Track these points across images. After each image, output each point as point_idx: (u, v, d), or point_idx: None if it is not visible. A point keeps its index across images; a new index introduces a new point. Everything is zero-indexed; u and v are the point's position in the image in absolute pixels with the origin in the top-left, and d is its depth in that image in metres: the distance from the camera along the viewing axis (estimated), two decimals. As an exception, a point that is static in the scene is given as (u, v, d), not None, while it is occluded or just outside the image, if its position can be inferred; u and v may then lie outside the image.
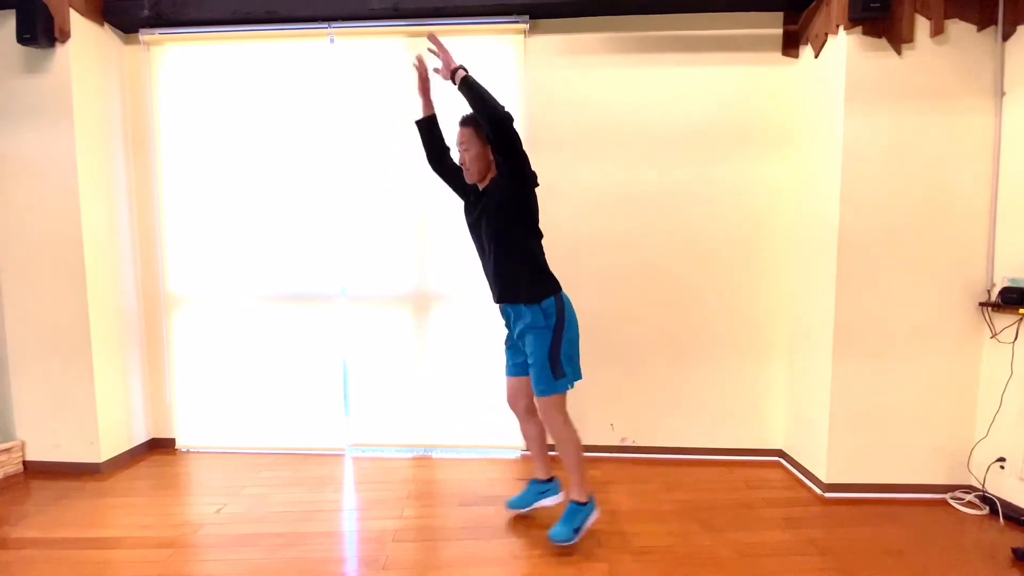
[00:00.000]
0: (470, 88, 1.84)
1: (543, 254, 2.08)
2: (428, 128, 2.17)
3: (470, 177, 2.04)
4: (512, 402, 2.25)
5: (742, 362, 2.93)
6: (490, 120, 1.82)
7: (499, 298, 2.09)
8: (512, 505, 2.30)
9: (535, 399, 2.05)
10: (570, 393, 1.99)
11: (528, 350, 2.01)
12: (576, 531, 2.04)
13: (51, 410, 2.80)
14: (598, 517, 2.12)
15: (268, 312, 3.09)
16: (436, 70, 2.00)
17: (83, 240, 2.72)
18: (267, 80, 2.97)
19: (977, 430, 2.46)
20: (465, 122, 2.00)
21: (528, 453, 2.33)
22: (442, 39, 1.97)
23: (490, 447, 3.00)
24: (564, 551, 2.02)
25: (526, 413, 2.23)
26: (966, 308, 2.43)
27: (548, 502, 2.28)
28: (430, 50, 1.96)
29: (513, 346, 2.17)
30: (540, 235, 2.07)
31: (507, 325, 2.17)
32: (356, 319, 3.06)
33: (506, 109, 1.83)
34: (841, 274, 2.45)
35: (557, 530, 2.03)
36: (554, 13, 2.80)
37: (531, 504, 2.29)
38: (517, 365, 2.17)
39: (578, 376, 2.07)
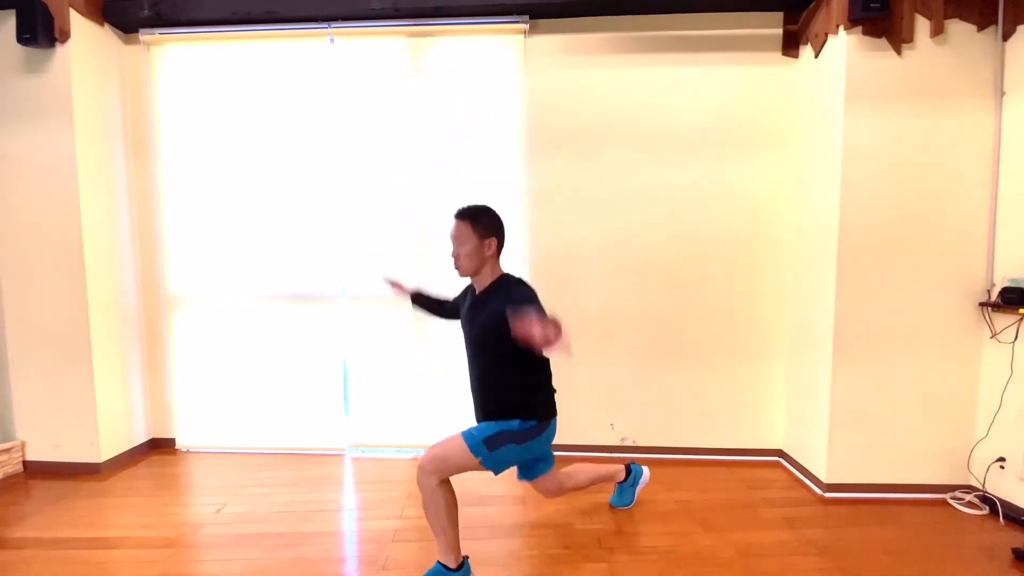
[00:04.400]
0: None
1: (546, 377, 1.88)
2: (422, 301, 2.23)
3: (460, 272, 1.85)
4: (545, 493, 2.11)
5: (742, 362, 2.93)
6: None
7: (480, 419, 1.89)
8: (615, 503, 2.39)
9: (441, 443, 1.79)
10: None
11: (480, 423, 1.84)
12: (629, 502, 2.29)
13: (51, 410, 2.80)
14: (648, 478, 2.37)
15: (268, 312, 3.09)
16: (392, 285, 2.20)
17: (83, 240, 2.72)
18: (267, 80, 2.97)
19: (977, 430, 2.46)
20: (461, 215, 1.83)
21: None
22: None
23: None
24: (564, 552, 2.02)
25: (555, 493, 2.11)
26: (966, 308, 2.43)
27: (644, 483, 2.39)
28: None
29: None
30: (544, 359, 1.86)
31: None
32: (356, 319, 3.06)
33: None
34: (841, 274, 2.45)
35: None
36: (554, 13, 2.80)
37: (634, 497, 2.38)
38: (525, 467, 2.02)
39: (494, 470, 1.81)
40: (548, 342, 1.43)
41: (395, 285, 2.26)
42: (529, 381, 1.84)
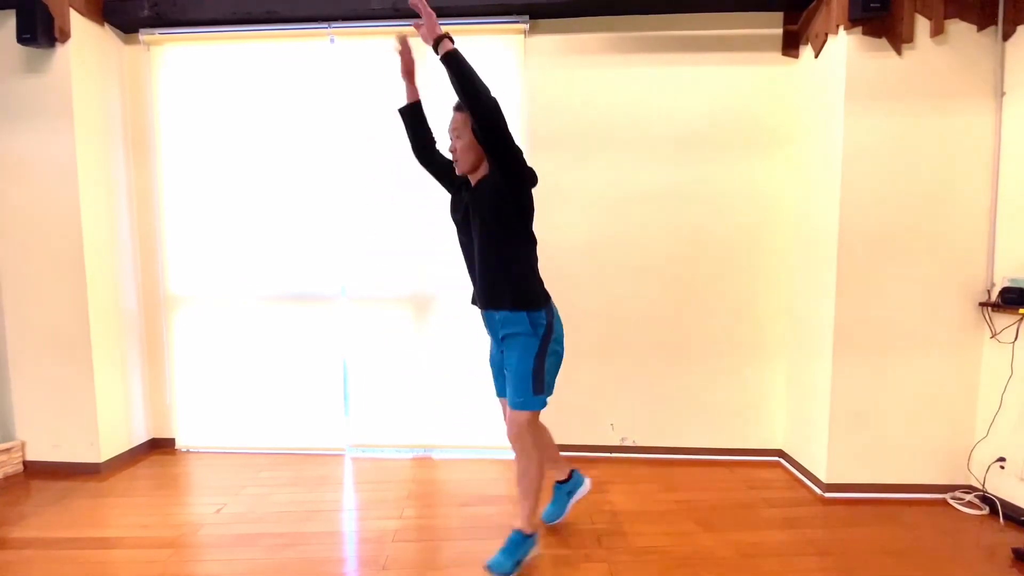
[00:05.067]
0: (455, 64, 1.64)
1: (536, 261, 1.92)
2: (413, 115, 2.00)
3: (460, 168, 1.87)
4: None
5: (742, 362, 2.93)
6: (473, 106, 1.64)
7: (485, 304, 1.92)
8: (549, 518, 2.18)
9: (507, 411, 1.91)
10: (570, 393, 1.98)
11: (509, 358, 1.87)
12: (517, 564, 1.88)
13: (51, 410, 2.80)
14: (537, 553, 1.98)
15: (268, 312, 3.09)
16: (416, 25, 1.82)
17: (83, 240, 2.72)
18: (267, 80, 2.97)
19: (977, 430, 2.46)
20: (460, 107, 1.82)
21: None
22: None
23: (490, 447, 3.00)
24: (564, 552, 2.02)
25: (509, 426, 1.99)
26: (966, 308, 2.43)
27: (580, 494, 2.22)
28: (399, 40, 1.86)
29: (499, 362, 2.01)
30: (534, 240, 1.90)
31: (491, 333, 2.01)
32: (356, 319, 3.06)
33: (493, 96, 1.66)
34: (841, 274, 2.45)
35: (497, 560, 1.87)
36: (554, 13, 2.80)
37: (566, 508, 2.19)
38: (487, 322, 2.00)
39: (550, 393, 1.91)
40: (432, 30, 1.70)
41: (404, 57, 1.96)
42: (527, 269, 1.88)
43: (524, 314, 1.83)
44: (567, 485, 2.20)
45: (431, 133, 2.04)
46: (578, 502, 2.24)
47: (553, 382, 1.93)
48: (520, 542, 1.90)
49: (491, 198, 1.80)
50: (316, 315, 3.07)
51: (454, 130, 1.84)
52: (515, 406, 1.85)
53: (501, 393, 2.06)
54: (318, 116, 2.97)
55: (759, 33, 2.80)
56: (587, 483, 2.24)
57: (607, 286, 2.93)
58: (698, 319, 2.93)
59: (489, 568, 1.87)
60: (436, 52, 1.71)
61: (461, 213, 1.92)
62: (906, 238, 2.43)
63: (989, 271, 2.40)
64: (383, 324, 3.05)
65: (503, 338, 1.91)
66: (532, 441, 1.88)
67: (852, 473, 2.50)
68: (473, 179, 1.90)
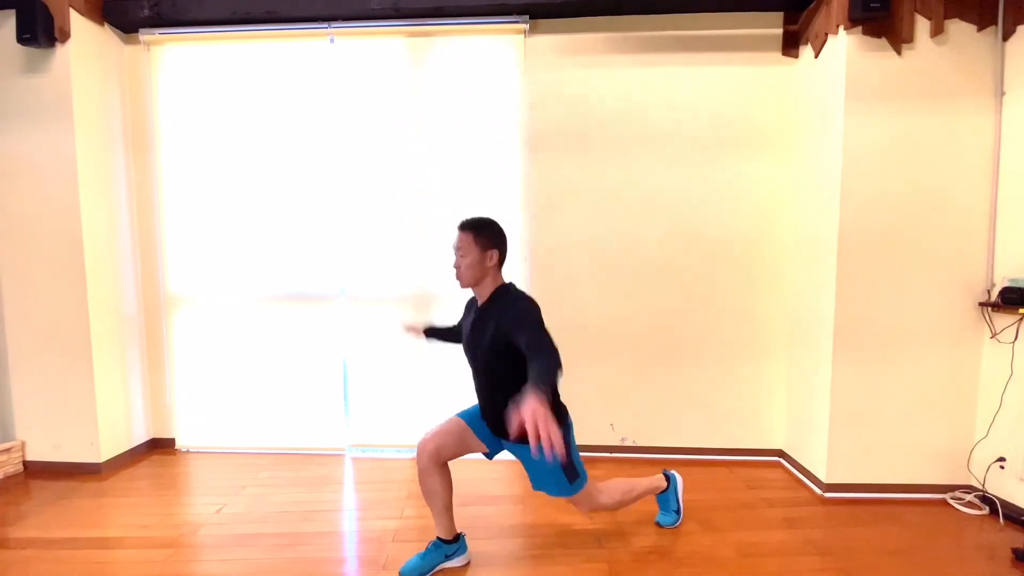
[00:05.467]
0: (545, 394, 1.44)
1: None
2: (432, 332, 2.21)
3: (461, 283, 1.83)
4: (429, 446, 1.91)
5: (742, 362, 2.93)
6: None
7: (495, 430, 1.90)
8: (408, 572, 1.90)
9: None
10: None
11: (533, 464, 1.83)
12: (677, 512, 2.22)
13: (51, 410, 2.80)
14: (682, 481, 2.27)
15: (268, 312, 3.09)
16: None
17: (83, 240, 2.72)
18: (267, 80, 2.97)
19: (977, 430, 2.46)
20: (464, 227, 1.81)
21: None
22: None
23: (490, 447, 3.00)
24: (564, 552, 2.02)
25: (436, 464, 1.91)
26: (966, 308, 2.43)
27: (455, 563, 1.96)
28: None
29: (474, 419, 1.97)
30: None
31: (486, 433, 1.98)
32: (356, 319, 3.06)
33: (556, 368, 1.50)
34: (841, 274, 2.45)
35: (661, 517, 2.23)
36: (554, 13, 2.80)
37: (434, 568, 1.93)
38: (475, 420, 1.95)
39: (584, 474, 1.88)
40: (539, 441, 1.28)
41: (412, 330, 2.24)
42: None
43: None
44: (450, 547, 1.96)
45: (450, 327, 2.20)
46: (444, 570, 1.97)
47: (581, 463, 1.89)
48: (666, 497, 2.23)
49: (497, 339, 1.73)
50: (316, 315, 3.07)
51: (459, 248, 1.81)
52: (567, 495, 1.87)
53: (461, 414, 2.01)
54: (318, 116, 2.97)
55: (759, 33, 2.80)
56: (467, 554, 2.00)
57: (607, 286, 2.93)
58: (698, 319, 2.93)
59: (659, 523, 2.21)
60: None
61: (467, 336, 1.90)
62: (906, 238, 2.43)
63: (989, 271, 2.40)
64: (383, 324, 3.05)
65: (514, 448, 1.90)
66: (602, 501, 1.97)
67: (852, 473, 2.50)
68: (480, 298, 1.86)
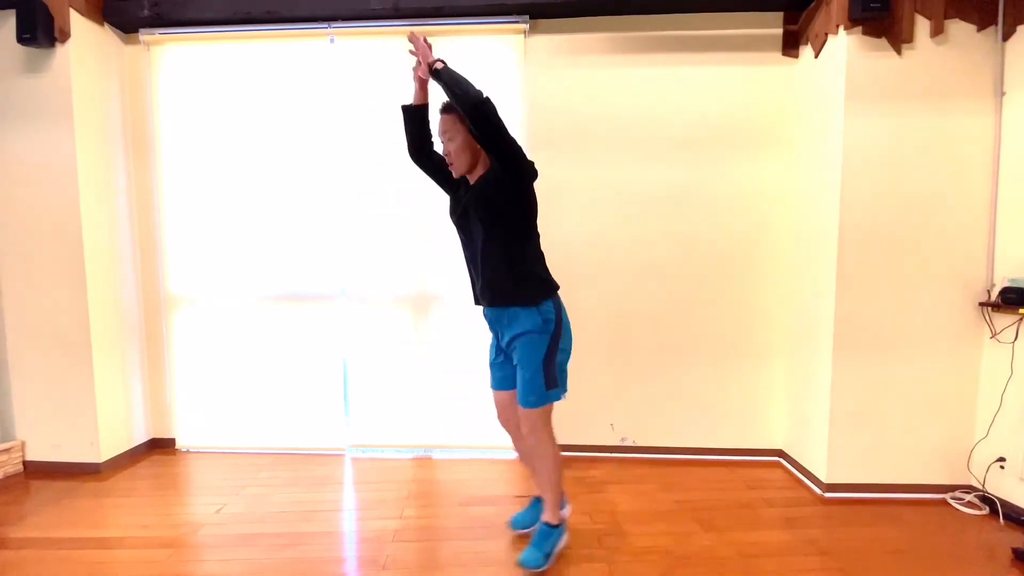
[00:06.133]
0: (444, 74, 1.72)
1: (542, 254, 1.94)
2: (416, 116, 1.98)
3: (456, 170, 1.87)
4: (504, 418, 2.07)
5: (742, 362, 2.93)
6: (465, 106, 1.67)
7: (490, 301, 1.91)
8: (517, 524, 2.13)
9: (520, 411, 1.89)
10: (570, 393, 1.97)
11: (519, 357, 1.86)
12: (548, 556, 1.91)
13: (51, 410, 2.80)
14: (567, 543, 2.02)
15: (268, 312, 3.09)
16: (414, 69, 1.87)
17: (83, 240, 2.72)
18: (267, 80, 2.97)
19: (977, 430, 2.46)
20: (447, 108, 1.82)
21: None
22: (442, 39, 1.91)
23: (490, 447, 3.00)
24: (564, 552, 2.02)
25: (520, 428, 1.99)
26: (966, 308, 2.43)
27: (565, 512, 2.09)
28: (409, 52, 1.83)
29: (499, 360, 2.02)
30: (537, 234, 1.91)
31: (493, 331, 2.00)
32: (356, 319, 3.06)
33: (483, 93, 1.68)
34: (841, 274, 2.45)
35: (528, 555, 1.89)
36: (554, 13, 2.80)
37: (537, 522, 2.04)
38: (506, 378, 2.01)
39: (565, 389, 1.96)
40: (427, 59, 1.74)
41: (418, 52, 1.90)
42: (533, 263, 1.88)
43: (533, 310, 1.83)
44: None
45: (431, 135, 2.03)
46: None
47: (565, 376, 1.96)
48: (548, 534, 1.94)
49: (492, 195, 1.80)
50: (316, 315, 3.07)
51: (444, 133, 1.84)
52: (528, 404, 1.85)
53: (496, 386, 2.07)
54: (318, 116, 2.97)
55: (759, 33, 2.80)
56: (568, 509, 2.11)
57: (606, 286, 2.93)
58: (698, 319, 2.93)
59: (522, 563, 1.90)
60: (433, 78, 1.79)
61: (459, 213, 1.92)
62: (906, 238, 2.43)
63: (989, 271, 2.40)
64: (383, 324, 3.05)
65: (511, 340, 1.90)
66: (548, 435, 1.90)
67: (852, 473, 2.50)
68: (472, 178, 1.90)
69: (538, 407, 1.85)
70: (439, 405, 3.05)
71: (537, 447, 1.91)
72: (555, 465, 1.93)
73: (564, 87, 2.87)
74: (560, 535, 1.97)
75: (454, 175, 1.91)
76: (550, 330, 1.84)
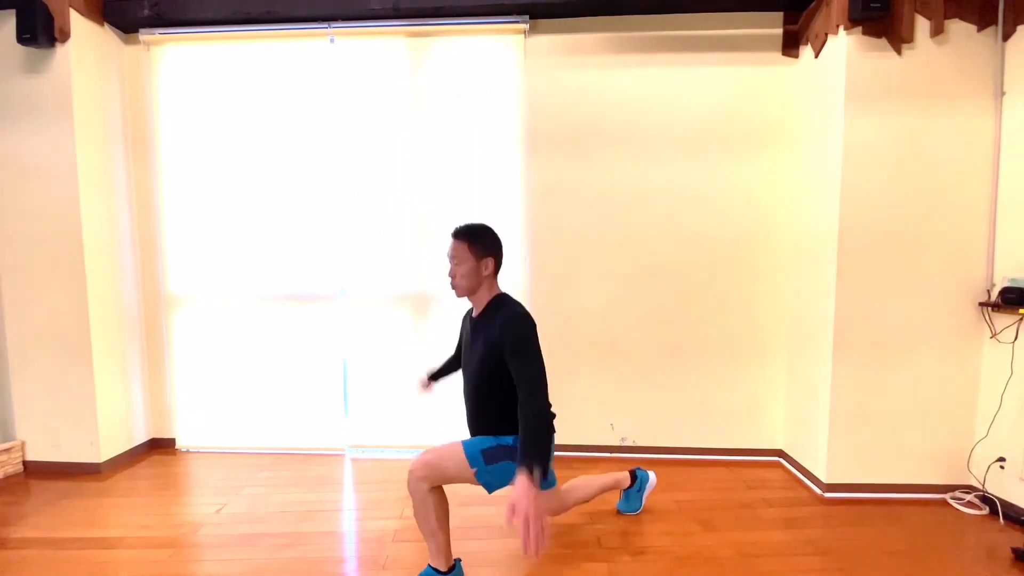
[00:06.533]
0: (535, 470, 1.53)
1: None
2: (438, 374, 2.21)
3: (457, 292, 1.82)
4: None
5: (742, 362, 2.93)
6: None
7: (472, 431, 1.90)
8: (625, 509, 2.36)
9: (445, 448, 1.79)
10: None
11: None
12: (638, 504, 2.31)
13: (51, 410, 2.80)
14: (654, 483, 2.36)
15: (268, 312, 3.09)
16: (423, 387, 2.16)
17: (83, 240, 2.72)
18: (267, 80, 2.97)
19: (977, 430, 2.46)
20: (458, 235, 1.78)
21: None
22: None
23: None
24: (564, 552, 2.02)
25: (560, 508, 2.08)
26: (966, 308, 2.43)
27: (650, 488, 2.36)
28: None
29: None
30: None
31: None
32: (356, 319, 3.06)
33: (547, 427, 1.61)
34: (841, 274, 2.45)
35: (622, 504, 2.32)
36: (554, 13, 2.79)
37: (640, 502, 2.35)
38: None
39: (493, 488, 1.81)
40: (527, 546, 1.40)
41: (423, 386, 2.23)
42: (506, 416, 1.76)
43: (491, 438, 1.78)
44: (634, 486, 2.34)
45: (451, 358, 2.19)
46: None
47: (500, 486, 1.80)
48: (630, 496, 2.29)
49: (485, 359, 1.74)
50: (316, 315, 3.07)
51: (454, 257, 1.79)
52: (464, 445, 1.77)
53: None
54: (318, 116, 2.97)
55: (759, 33, 2.80)
56: (653, 476, 2.39)
57: (606, 286, 2.93)
58: (698, 319, 2.93)
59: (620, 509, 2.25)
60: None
61: (465, 339, 1.91)
62: (906, 238, 2.43)
63: (989, 271, 2.40)
64: (383, 324, 3.05)
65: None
66: (438, 481, 1.76)
67: (852, 473, 2.50)
68: (476, 310, 1.86)
69: (466, 461, 1.74)
70: (439, 405, 3.05)
71: (417, 496, 1.76)
72: (435, 514, 1.75)
73: (564, 87, 2.87)
74: (641, 485, 2.32)
75: (455, 295, 1.84)
76: (480, 465, 1.74)
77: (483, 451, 1.75)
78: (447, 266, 1.84)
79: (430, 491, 1.74)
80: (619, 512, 2.35)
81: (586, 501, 2.16)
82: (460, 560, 1.86)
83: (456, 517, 2.31)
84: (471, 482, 1.77)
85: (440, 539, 1.77)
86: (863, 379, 2.47)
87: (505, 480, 1.77)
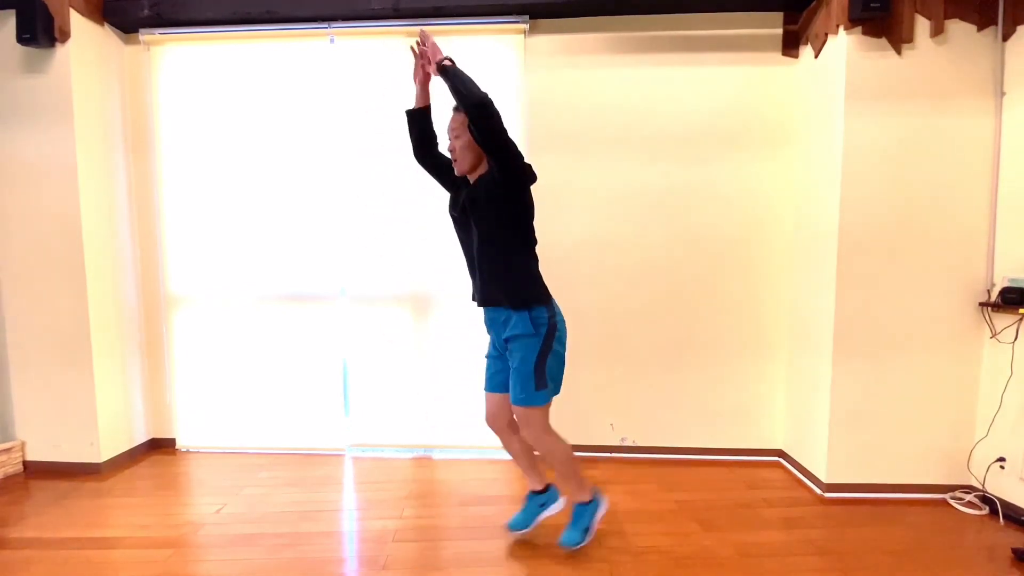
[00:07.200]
0: (450, 73, 1.73)
1: (536, 259, 1.94)
2: (420, 119, 2.01)
3: (459, 168, 1.90)
4: (492, 419, 2.07)
5: (742, 362, 2.93)
6: (467, 104, 1.69)
7: (483, 301, 1.96)
8: (515, 526, 2.11)
9: (514, 410, 1.94)
10: (570, 393, 1.98)
11: (512, 358, 1.90)
12: (586, 531, 2.02)
13: (51, 410, 2.80)
14: (606, 510, 2.11)
15: (268, 312, 3.09)
16: (422, 65, 1.89)
17: (83, 240, 2.72)
18: (267, 80, 2.97)
19: (977, 430, 2.46)
20: (458, 107, 1.84)
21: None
22: (442, 39, 1.93)
23: (490, 447, 2.99)
24: (564, 552, 2.02)
25: (508, 429, 2.06)
26: (966, 308, 2.43)
27: (551, 511, 2.13)
28: (417, 44, 1.86)
29: (495, 358, 2.03)
30: (534, 239, 1.92)
31: (490, 331, 2.04)
32: (356, 319, 3.06)
33: (487, 95, 1.70)
34: (841, 274, 2.45)
35: (567, 535, 2.02)
36: (554, 13, 2.80)
37: (534, 520, 2.12)
38: (496, 379, 2.03)
39: (557, 391, 1.94)
40: (435, 57, 1.76)
41: (419, 62, 1.93)
42: (526, 267, 1.90)
43: (525, 313, 1.86)
44: (541, 497, 2.14)
45: (435, 135, 2.06)
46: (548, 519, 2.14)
47: (560, 379, 1.94)
48: (582, 512, 2.04)
49: (489, 196, 1.82)
50: (316, 315, 3.07)
51: (453, 130, 1.87)
52: (517, 402, 1.88)
53: (488, 387, 2.07)
54: (318, 116, 2.97)
55: (759, 33, 2.80)
56: (562, 502, 2.15)
57: (607, 286, 2.93)
58: (698, 319, 2.93)
59: (562, 544, 2.01)
60: (439, 73, 1.80)
61: (459, 210, 1.94)
62: (906, 238, 2.43)
63: (989, 271, 2.40)
64: (383, 324, 3.05)
65: (506, 340, 1.92)
66: (544, 429, 1.93)
67: (852, 473, 2.50)
68: (472, 178, 1.92)
69: (526, 406, 1.88)
70: (439, 405, 3.05)
71: (539, 445, 1.96)
72: (565, 457, 1.98)
73: (564, 87, 2.87)
74: (595, 508, 2.06)
75: (456, 172, 1.94)
76: (542, 334, 1.86)
77: (534, 384, 1.85)
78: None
79: (548, 435, 1.94)
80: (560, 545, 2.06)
81: (554, 463, 2.00)
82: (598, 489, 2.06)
83: (456, 517, 2.32)
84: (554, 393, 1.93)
85: (580, 475, 2.01)
86: (863, 379, 2.47)
87: (559, 368, 1.93)
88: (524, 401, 1.87)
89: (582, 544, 2.01)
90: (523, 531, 2.11)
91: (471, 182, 1.92)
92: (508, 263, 1.87)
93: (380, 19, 2.83)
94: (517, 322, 1.86)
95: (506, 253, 1.87)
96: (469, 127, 1.79)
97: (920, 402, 2.47)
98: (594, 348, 2.95)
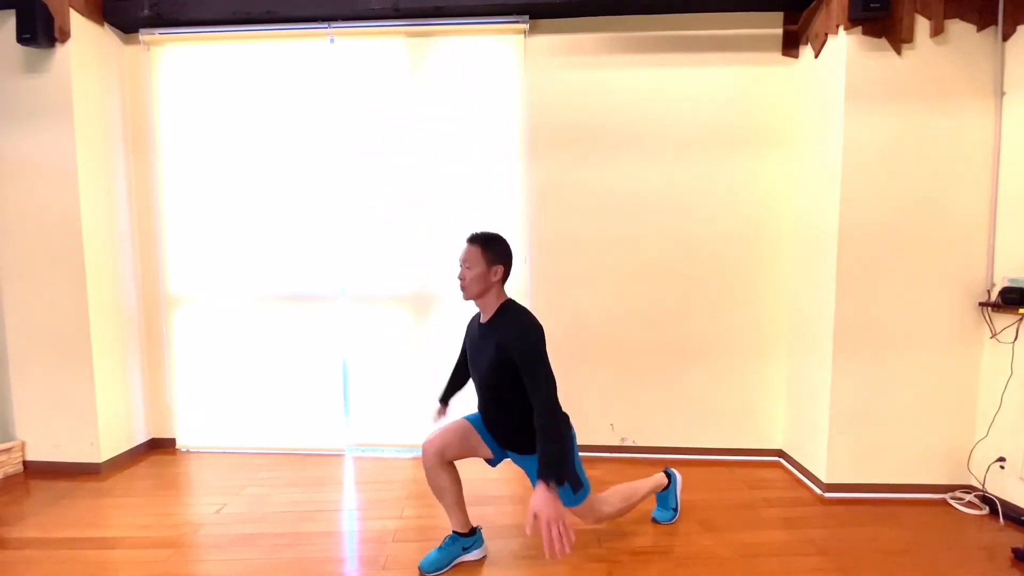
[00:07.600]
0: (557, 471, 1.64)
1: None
2: (450, 390, 2.21)
3: (465, 295, 1.85)
4: (434, 444, 1.91)
5: (742, 362, 2.93)
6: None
7: (498, 439, 1.93)
8: (427, 566, 1.90)
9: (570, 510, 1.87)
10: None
11: (534, 476, 1.74)
12: (675, 509, 2.26)
13: (51, 410, 2.80)
14: (682, 480, 2.31)
15: (268, 312, 3.09)
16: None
17: (83, 240, 2.72)
18: (267, 80, 2.97)
19: (977, 430, 2.46)
20: (473, 240, 1.85)
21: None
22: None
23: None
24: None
25: (441, 463, 1.91)
26: (966, 308, 2.43)
27: (472, 556, 1.99)
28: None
29: (478, 425, 1.99)
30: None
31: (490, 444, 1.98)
32: (356, 319, 3.06)
33: (562, 437, 1.69)
34: (841, 274, 2.45)
35: (658, 513, 2.26)
36: (554, 13, 2.80)
37: (451, 562, 1.95)
38: (484, 427, 1.96)
39: (586, 480, 1.91)
40: (548, 549, 1.52)
41: (439, 413, 2.21)
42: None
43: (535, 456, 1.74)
44: (466, 540, 1.99)
45: (456, 373, 2.18)
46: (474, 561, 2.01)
47: (583, 470, 1.90)
48: (665, 497, 2.26)
49: (500, 360, 1.77)
50: (316, 315, 3.07)
51: (465, 260, 1.84)
52: (571, 504, 1.87)
53: (469, 416, 2.02)
54: (318, 116, 2.97)
55: (759, 33, 2.80)
56: (485, 548, 2.04)
57: (607, 286, 2.93)
58: (698, 319, 2.93)
59: (656, 520, 2.25)
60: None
61: (471, 344, 1.94)
62: (906, 238, 2.43)
63: (989, 271, 2.40)
64: (383, 324, 3.05)
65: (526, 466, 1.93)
66: (603, 512, 1.98)
67: (852, 473, 2.50)
68: (484, 315, 1.88)
69: (577, 505, 1.89)
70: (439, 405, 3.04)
71: (614, 517, 2.06)
72: (626, 506, 2.06)
73: (564, 87, 2.87)
74: (673, 485, 2.26)
75: (463, 297, 1.88)
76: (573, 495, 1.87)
77: (570, 488, 1.81)
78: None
79: (608, 512, 2.00)
80: (655, 521, 2.25)
81: (629, 510, 2.09)
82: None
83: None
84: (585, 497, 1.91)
85: (639, 492, 2.11)
86: (863, 379, 2.47)
87: (582, 470, 1.92)
88: (574, 503, 1.88)
89: (676, 519, 2.25)
90: (436, 573, 1.91)
91: (483, 321, 1.88)
92: (517, 414, 1.80)
93: (380, 19, 2.83)
94: (530, 464, 1.85)
95: (519, 407, 1.78)
96: (488, 263, 1.81)
97: (920, 402, 2.47)
98: (594, 348, 2.95)
